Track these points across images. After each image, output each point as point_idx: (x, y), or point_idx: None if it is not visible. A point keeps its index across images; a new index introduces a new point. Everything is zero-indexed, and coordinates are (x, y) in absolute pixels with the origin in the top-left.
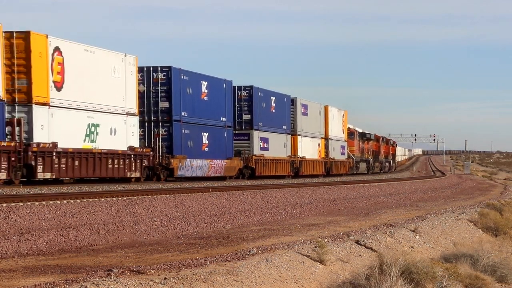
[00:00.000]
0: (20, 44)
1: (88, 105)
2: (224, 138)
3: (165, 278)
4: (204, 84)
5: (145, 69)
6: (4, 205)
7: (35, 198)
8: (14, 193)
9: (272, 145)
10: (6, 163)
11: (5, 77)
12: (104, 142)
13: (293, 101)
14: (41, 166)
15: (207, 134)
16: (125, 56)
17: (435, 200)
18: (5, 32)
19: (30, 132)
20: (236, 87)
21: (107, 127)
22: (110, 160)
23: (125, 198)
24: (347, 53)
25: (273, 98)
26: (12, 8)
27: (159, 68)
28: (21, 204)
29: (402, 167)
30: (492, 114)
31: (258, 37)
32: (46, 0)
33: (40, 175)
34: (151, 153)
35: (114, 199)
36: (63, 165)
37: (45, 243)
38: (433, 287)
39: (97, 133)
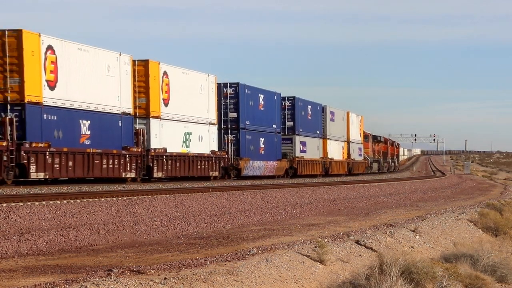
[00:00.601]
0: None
1: (185, 117)
2: (275, 143)
3: (165, 278)
4: (261, 96)
5: (216, 85)
6: (4, 205)
7: (35, 198)
8: (14, 193)
9: (309, 148)
10: (134, 165)
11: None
12: (195, 147)
13: (323, 109)
14: (156, 167)
15: (263, 139)
16: (208, 76)
17: (435, 200)
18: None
19: (147, 140)
20: (280, 97)
21: (196, 135)
22: (199, 162)
23: (125, 198)
24: (347, 53)
25: (309, 107)
26: (12, 9)
27: (228, 84)
28: (21, 204)
29: (402, 167)
30: (492, 114)
31: (258, 37)
32: (47, 0)
33: (155, 174)
34: (226, 155)
35: (114, 199)
36: (170, 166)
37: (45, 243)
38: (433, 287)
39: (190, 140)
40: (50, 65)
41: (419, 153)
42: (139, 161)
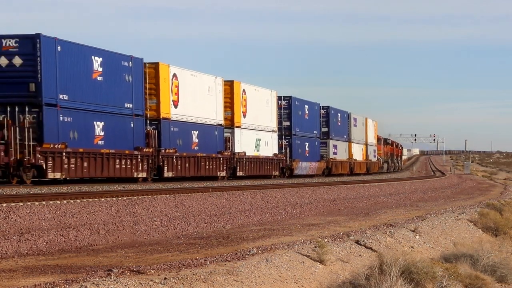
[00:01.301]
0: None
1: (257, 126)
2: (316, 146)
3: (165, 278)
4: (306, 107)
5: (276, 98)
6: (4, 205)
7: (35, 198)
8: (14, 193)
9: (339, 151)
10: (225, 166)
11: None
12: (263, 151)
13: (349, 116)
14: (239, 167)
15: (308, 143)
16: (271, 91)
17: (435, 200)
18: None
19: (232, 145)
20: (320, 107)
21: (264, 140)
22: (265, 163)
23: (125, 198)
24: (347, 53)
25: (339, 114)
26: (12, 9)
27: (282, 97)
28: (21, 204)
29: (403, 167)
30: (492, 114)
31: (257, 37)
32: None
33: (238, 173)
34: (284, 158)
35: (114, 199)
36: (247, 166)
37: (45, 243)
38: (433, 287)
39: (259, 145)
40: (175, 88)
41: (418, 153)
42: (228, 163)
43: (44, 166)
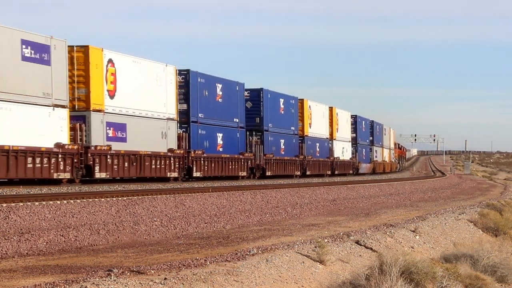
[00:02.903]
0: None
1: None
2: (368, 151)
3: (165, 278)
4: (363, 122)
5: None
6: (4, 205)
7: (35, 198)
8: (14, 193)
9: (378, 154)
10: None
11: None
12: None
13: (382, 127)
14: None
15: (364, 150)
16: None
17: (435, 200)
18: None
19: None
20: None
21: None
22: (342, 164)
23: (125, 198)
24: (346, 53)
25: (378, 126)
26: (11, 8)
27: (352, 116)
28: (21, 204)
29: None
30: (492, 114)
31: (257, 37)
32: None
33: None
34: (354, 160)
35: (114, 199)
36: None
37: (45, 243)
38: (433, 287)
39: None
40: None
41: (416, 153)
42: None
43: None
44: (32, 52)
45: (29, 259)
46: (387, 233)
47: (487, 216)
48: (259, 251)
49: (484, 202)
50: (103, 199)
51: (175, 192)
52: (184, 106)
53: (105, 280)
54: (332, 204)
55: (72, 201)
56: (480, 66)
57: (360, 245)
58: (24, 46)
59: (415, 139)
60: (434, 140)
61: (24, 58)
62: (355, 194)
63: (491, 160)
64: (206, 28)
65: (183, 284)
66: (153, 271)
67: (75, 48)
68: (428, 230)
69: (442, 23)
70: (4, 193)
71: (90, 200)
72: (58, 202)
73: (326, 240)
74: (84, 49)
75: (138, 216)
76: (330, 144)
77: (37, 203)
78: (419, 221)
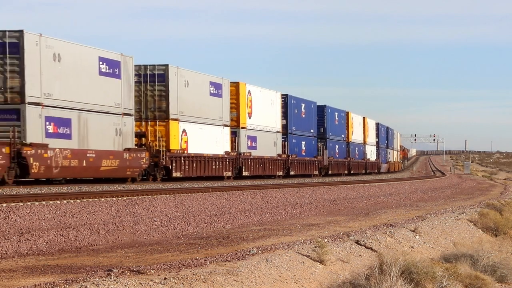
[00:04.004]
0: None
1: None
2: (385, 153)
3: (165, 278)
4: (382, 129)
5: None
6: (4, 205)
7: (35, 198)
8: (14, 193)
9: (390, 156)
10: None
11: None
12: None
13: (393, 132)
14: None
15: (383, 152)
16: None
17: (435, 200)
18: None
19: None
20: (385, 127)
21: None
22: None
23: (125, 198)
24: (346, 53)
25: (390, 131)
26: (12, 8)
27: (379, 124)
28: (21, 204)
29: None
30: (492, 114)
31: (256, 37)
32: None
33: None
34: (378, 161)
35: (114, 199)
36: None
37: (45, 243)
38: (433, 287)
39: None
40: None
41: (415, 153)
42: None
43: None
44: (213, 89)
45: (29, 259)
46: (387, 233)
47: (487, 216)
48: (259, 251)
49: (484, 202)
50: (103, 199)
51: (175, 192)
52: (284, 122)
53: (105, 280)
54: (332, 204)
55: (72, 201)
56: (480, 66)
57: (360, 245)
58: (211, 87)
59: (415, 139)
60: (434, 140)
61: (212, 94)
62: (355, 194)
63: (491, 160)
64: (206, 28)
65: (183, 284)
66: (153, 271)
67: (229, 83)
68: (428, 230)
69: (442, 23)
70: (4, 193)
71: (90, 200)
72: (58, 202)
73: (326, 240)
74: (236, 84)
75: (138, 216)
76: (363, 148)
77: (37, 203)
78: (419, 221)
